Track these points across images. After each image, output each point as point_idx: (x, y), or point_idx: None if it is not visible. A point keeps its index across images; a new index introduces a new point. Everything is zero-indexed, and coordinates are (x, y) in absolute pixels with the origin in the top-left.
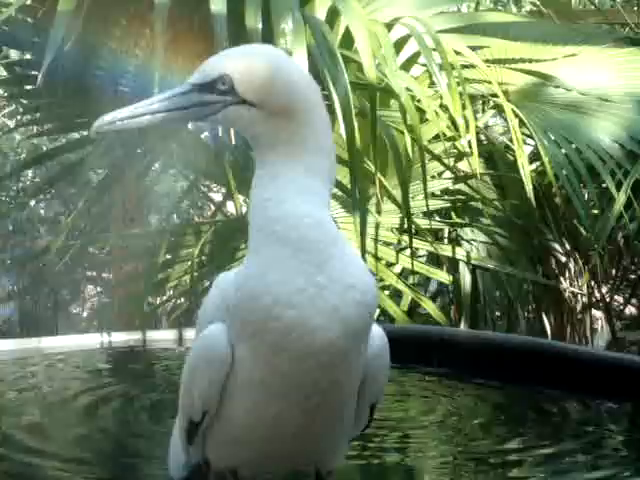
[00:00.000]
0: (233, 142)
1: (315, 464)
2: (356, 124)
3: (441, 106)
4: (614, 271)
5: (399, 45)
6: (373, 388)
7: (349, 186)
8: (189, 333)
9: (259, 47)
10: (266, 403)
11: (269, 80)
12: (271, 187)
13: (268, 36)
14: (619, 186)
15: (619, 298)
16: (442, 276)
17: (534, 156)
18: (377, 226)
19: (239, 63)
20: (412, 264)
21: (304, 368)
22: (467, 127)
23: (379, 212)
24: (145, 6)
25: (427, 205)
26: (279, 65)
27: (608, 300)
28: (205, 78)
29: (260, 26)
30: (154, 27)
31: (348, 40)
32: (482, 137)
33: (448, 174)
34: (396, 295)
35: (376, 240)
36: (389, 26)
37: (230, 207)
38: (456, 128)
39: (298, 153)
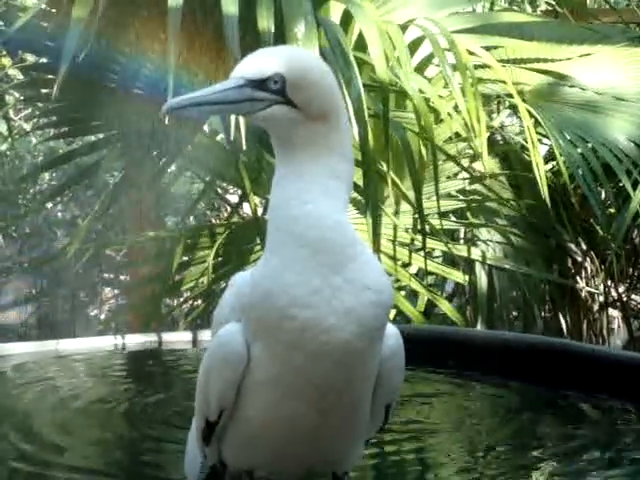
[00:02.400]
0: (247, 143)
1: (331, 465)
2: (370, 126)
3: (456, 107)
4: (631, 270)
5: (414, 46)
6: (388, 388)
7: (363, 187)
8: (205, 335)
9: (305, 50)
10: (281, 402)
11: (317, 85)
12: (295, 187)
13: (281, 39)
14: (635, 185)
15: (637, 297)
16: (458, 276)
17: (550, 156)
18: (395, 227)
19: (293, 65)
20: (425, 264)
21: (319, 367)
22: (481, 127)
23: (396, 213)
24: (158, 10)
25: (438, 206)
26: (325, 71)
27: (625, 299)
28: (260, 75)
29: (273, 29)
30: (167, 31)
31: (362, 42)
32: (498, 137)
33: (463, 174)
34: (412, 296)
35: (393, 241)
36: (403, 27)
37: (246, 209)
38: (470, 129)
39: (325, 156)
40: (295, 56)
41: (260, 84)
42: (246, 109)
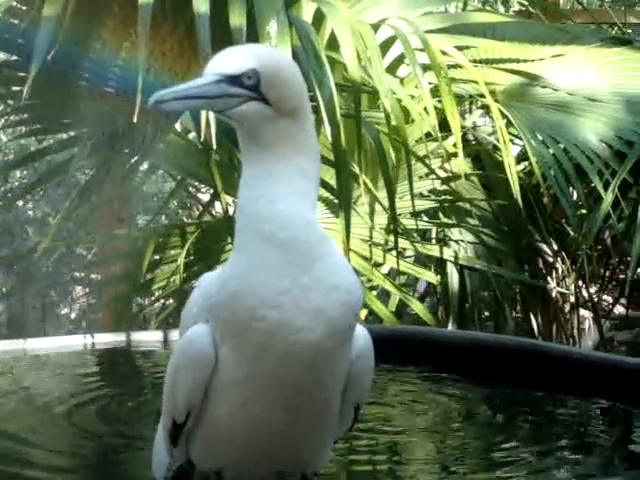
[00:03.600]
0: (219, 142)
1: (300, 466)
2: (342, 125)
3: (426, 108)
4: (602, 271)
5: (386, 46)
6: (357, 389)
7: (336, 187)
8: (175, 334)
9: (277, 48)
10: (249, 403)
11: (290, 82)
12: (263, 186)
13: (253, 38)
14: (606, 186)
15: (608, 298)
16: (429, 276)
17: (522, 156)
18: (371, 229)
19: (267, 61)
20: (397, 264)
21: (288, 368)
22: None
23: (370, 213)
24: (129, 7)
25: (413, 205)
26: (296, 68)
27: (596, 300)
28: (236, 70)
29: (245, 28)
30: (138, 28)
31: (335, 42)
32: (470, 137)
33: (437, 174)
34: (384, 296)
35: (365, 241)
36: (376, 27)
37: (218, 208)
38: (442, 129)
39: (294, 154)
40: (268, 53)
41: (234, 80)
42: (222, 105)
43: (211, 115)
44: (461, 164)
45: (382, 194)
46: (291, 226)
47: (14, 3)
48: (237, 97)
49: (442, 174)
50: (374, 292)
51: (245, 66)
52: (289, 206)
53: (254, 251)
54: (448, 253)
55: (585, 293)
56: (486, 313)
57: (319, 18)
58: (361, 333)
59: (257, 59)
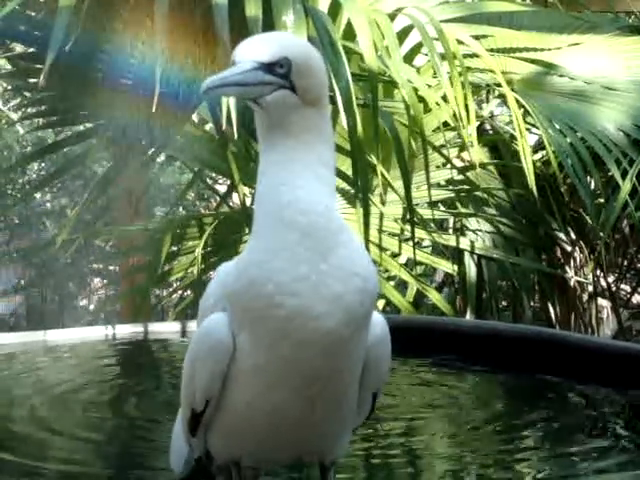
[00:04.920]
0: (236, 133)
1: (318, 454)
2: (359, 115)
3: (444, 96)
4: (620, 260)
5: (403, 35)
6: (374, 376)
7: (352, 177)
8: (194, 325)
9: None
10: (267, 392)
11: (317, 71)
12: (285, 173)
13: (269, 28)
14: (624, 174)
15: (626, 287)
16: (446, 266)
17: (539, 145)
18: (381, 217)
19: (299, 50)
20: (414, 254)
21: (306, 356)
22: (469, 117)
23: (383, 203)
24: None
25: (430, 195)
26: (321, 58)
27: (614, 289)
28: (270, 58)
29: (261, 18)
30: (155, 19)
31: (351, 31)
32: (487, 127)
33: (454, 164)
34: (402, 286)
35: (382, 231)
36: (392, 16)
37: (235, 199)
38: (459, 119)
39: (314, 142)
40: (298, 42)
41: (268, 67)
42: (257, 92)
43: (232, 106)
44: (478, 153)
45: (399, 184)
46: (311, 212)
47: None
48: (270, 85)
49: (459, 164)
50: (392, 282)
51: (278, 54)
52: (310, 192)
53: (273, 237)
54: (465, 243)
55: (603, 282)
56: (504, 303)
57: (335, 7)
58: (378, 320)
59: (289, 48)
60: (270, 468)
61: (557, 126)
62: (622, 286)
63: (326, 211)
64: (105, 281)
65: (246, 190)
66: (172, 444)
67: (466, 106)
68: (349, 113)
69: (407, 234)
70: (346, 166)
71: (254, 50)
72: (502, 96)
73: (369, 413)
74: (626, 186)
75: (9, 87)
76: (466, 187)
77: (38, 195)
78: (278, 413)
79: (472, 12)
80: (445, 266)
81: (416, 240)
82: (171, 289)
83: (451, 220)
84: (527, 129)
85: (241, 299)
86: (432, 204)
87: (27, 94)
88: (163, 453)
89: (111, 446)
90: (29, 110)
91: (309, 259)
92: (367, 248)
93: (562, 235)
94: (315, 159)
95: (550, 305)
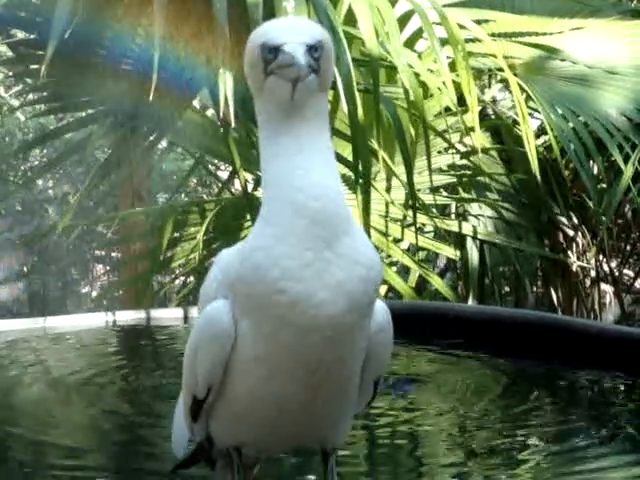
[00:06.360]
0: (237, 119)
1: (320, 441)
2: (360, 101)
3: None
4: (623, 245)
5: (404, 20)
6: (376, 363)
7: (353, 163)
8: (195, 311)
9: None
10: (269, 379)
11: (333, 56)
12: (301, 157)
13: (269, 13)
14: (627, 159)
15: (629, 272)
16: (449, 251)
17: (542, 130)
18: (386, 204)
19: (327, 34)
20: (416, 239)
21: (308, 343)
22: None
23: (387, 189)
24: None
25: (431, 181)
26: None
27: (617, 274)
28: (313, 41)
29: (261, 3)
30: (154, 5)
31: (352, 17)
32: (489, 111)
33: (456, 148)
34: (404, 271)
35: (384, 217)
36: (393, 1)
37: (237, 185)
38: (461, 103)
39: (323, 127)
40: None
41: (309, 50)
42: (307, 76)
43: (229, 92)
44: (480, 138)
45: (400, 169)
46: (324, 196)
47: None
48: (309, 68)
49: (461, 149)
50: (394, 268)
51: (317, 37)
52: (324, 177)
53: (282, 221)
54: (468, 228)
55: (606, 267)
56: (506, 288)
57: None
58: (380, 308)
59: (322, 32)
60: (272, 455)
61: (559, 111)
62: (625, 271)
63: (337, 197)
64: (107, 267)
65: (248, 176)
66: (174, 429)
67: (469, 90)
68: (350, 98)
69: (409, 219)
70: (348, 152)
71: (301, 32)
72: (504, 81)
73: (370, 400)
74: (628, 170)
75: (10, 74)
76: (468, 172)
77: (40, 182)
78: (280, 400)
79: None
80: (447, 251)
81: (418, 225)
82: (173, 275)
83: (453, 205)
84: (529, 114)
85: (244, 284)
86: (434, 189)
87: (28, 81)
88: (165, 438)
89: (113, 432)
90: (30, 97)
91: (316, 245)
92: (369, 234)
93: (564, 220)
94: (324, 144)
95: (553, 290)
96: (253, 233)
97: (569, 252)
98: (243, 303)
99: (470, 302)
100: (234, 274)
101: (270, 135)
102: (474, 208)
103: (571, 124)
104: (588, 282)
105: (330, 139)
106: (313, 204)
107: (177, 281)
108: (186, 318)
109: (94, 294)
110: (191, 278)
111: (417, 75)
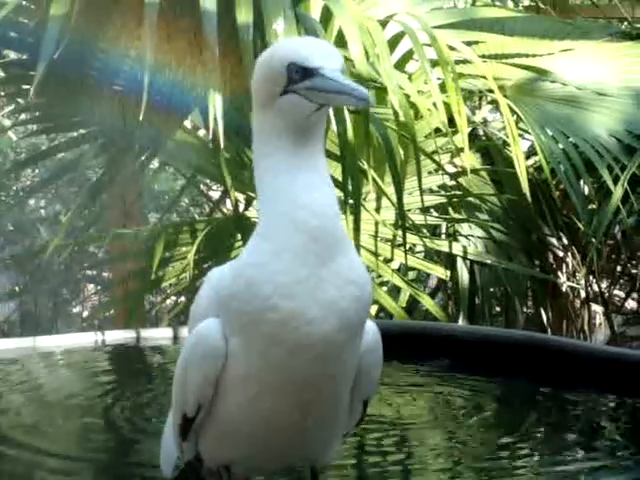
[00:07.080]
0: (228, 140)
1: (309, 460)
2: (350, 121)
3: (436, 103)
4: (613, 265)
5: (395, 42)
6: (366, 383)
7: (342, 183)
8: (186, 331)
9: None
10: (260, 398)
11: None
12: (306, 176)
13: (260, 35)
14: (616, 180)
15: (619, 293)
16: (439, 271)
17: (532, 151)
18: (376, 224)
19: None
20: (406, 259)
21: (299, 361)
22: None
23: (378, 209)
24: (137, 5)
25: (422, 201)
26: None
27: (607, 295)
28: (341, 67)
29: (252, 25)
30: (145, 26)
31: (343, 38)
32: (480, 132)
33: (446, 169)
34: (395, 291)
35: (374, 237)
36: (384, 23)
37: (228, 205)
38: (451, 124)
39: (320, 147)
40: None
41: None
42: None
43: (218, 112)
44: (470, 159)
45: (390, 189)
46: (323, 215)
47: (23, 2)
48: None
49: (451, 169)
50: (384, 288)
51: (342, 62)
52: (324, 195)
53: (280, 237)
54: (458, 248)
55: (596, 288)
56: (497, 308)
57: (326, 15)
58: (370, 327)
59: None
60: (261, 473)
61: (549, 132)
62: (615, 292)
63: (335, 216)
64: (98, 287)
65: (239, 196)
66: (162, 448)
67: (459, 111)
68: (340, 119)
69: (399, 240)
70: (338, 172)
71: (333, 56)
72: (494, 102)
73: (360, 419)
74: (618, 192)
75: (2, 94)
76: (458, 193)
77: (32, 201)
78: (270, 419)
79: (464, 18)
80: (438, 272)
81: (409, 246)
82: (164, 295)
83: (444, 226)
84: (520, 135)
85: (236, 301)
86: (424, 210)
87: (20, 101)
88: (154, 456)
89: (103, 449)
90: (22, 117)
91: (311, 263)
92: (359, 253)
93: (554, 241)
94: (322, 163)
95: (543, 311)
96: (248, 250)
97: (559, 272)
98: (234, 320)
99: (460, 322)
100: (226, 291)
101: (270, 151)
102: (464, 228)
103: (561, 145)
104: (578, 303)
105: (324, 157)
106: (312, 221)
107: (168, 301)
108: (175, 337)
109: (85, 314)
110: (182, 298)
111: (407, 96)
